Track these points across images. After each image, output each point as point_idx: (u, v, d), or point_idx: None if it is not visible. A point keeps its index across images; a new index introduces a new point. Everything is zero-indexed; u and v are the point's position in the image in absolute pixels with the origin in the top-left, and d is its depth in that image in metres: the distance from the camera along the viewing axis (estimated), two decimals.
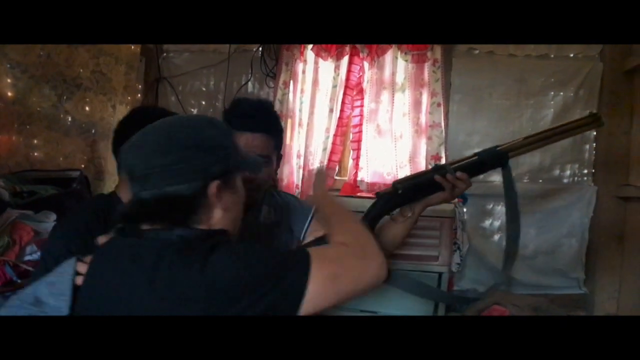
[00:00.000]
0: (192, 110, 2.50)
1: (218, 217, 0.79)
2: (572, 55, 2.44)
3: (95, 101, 2.13)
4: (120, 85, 2.23)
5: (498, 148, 1.12)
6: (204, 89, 2.52)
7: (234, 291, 0.69)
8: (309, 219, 1.28)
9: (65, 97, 1.96)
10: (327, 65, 2.49)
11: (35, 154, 1.85)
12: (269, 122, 1.21)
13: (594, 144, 2.40)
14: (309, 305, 0.70)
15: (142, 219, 0.77)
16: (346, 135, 2.54)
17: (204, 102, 2.51)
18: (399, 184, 1.10)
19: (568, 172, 2.42)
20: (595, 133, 2.38)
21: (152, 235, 0.75)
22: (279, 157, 1.30)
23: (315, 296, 0.71)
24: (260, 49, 2.50)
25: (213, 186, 0.76)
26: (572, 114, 2.39)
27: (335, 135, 2.45)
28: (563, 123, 1.15)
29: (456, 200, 2.06)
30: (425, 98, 2.45)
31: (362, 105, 2.49)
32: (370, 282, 0.77)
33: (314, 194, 1.12)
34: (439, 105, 2.42)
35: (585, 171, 2.41)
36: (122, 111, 2.24)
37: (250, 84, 2.53)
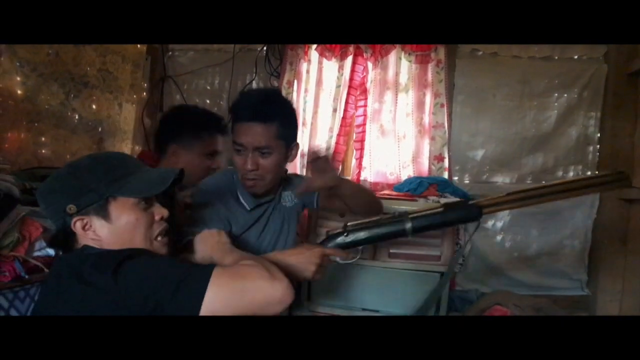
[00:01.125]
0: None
1: (106, 244, 0.89)
2: (576, 57, 2.44)
3: (102, 99, 2.15)
4: (126, 84, 2.25)
5: (471, 202, 1.04)
6: (208, 87, 2.53)
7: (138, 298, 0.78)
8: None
9: (72, 95, 1.99)
10: (331, 65, 2.51)
11: (43, 151, 1.87)
12: (269, 112, 1.19)
13: (598, 146, 2.40)
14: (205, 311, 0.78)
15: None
16: (349, 135, 2.55)
17: (208, 101, 2.53)
18: (350, 227, 1.07)
19: (571, 174, 2.41)
20: (599, 134, 2.39)
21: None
22: (290, 146, 1.28)
23: (211, 308, 0.77)
24: (265, 48, 2.52)
25: (74, 224, 0.88)
26: (576, 116, 2.40)
27: (338, 135, 2.47)
28: (572, 179, 1.09)
29: (458, 199, 2.08)
30: (428, 99, 2.47)
31: (365, 105, 2.50)
32: (270, 304, 0.82)
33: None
34: (442, 105, 2.43)
35: (589, 172, 2.41)
36: (128, 109, 2.27)
37: (254, 83, 2.54)
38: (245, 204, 1.28)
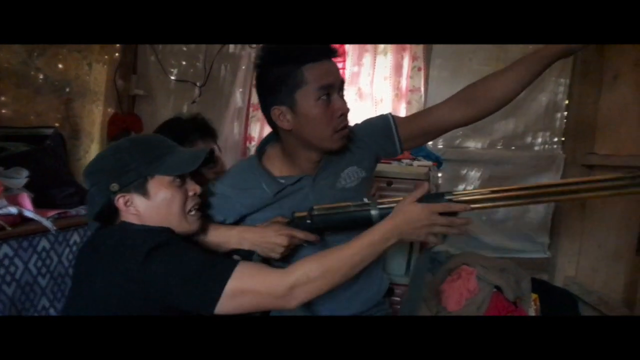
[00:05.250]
0: (172, 70, 2.45)
1: (145, 218, 0.97)
2: None
3: (69, 58, 2.08)
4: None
5: (446, 197, 0.93)
6: (184, 49, 2.46)
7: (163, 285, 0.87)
8: (395, 135, 1.16)
9: (36, 54, 1.91)
10: None
11: (3, 111, 1.82)
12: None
13: (565, 113, 2.47)
14: (220, 308, 0.87)
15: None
16: None
17: (184, 62, 2.46)
18: (315, 211, 1.04)
19: (539, 140, 2.50)
20: (567, 102, 2.47)
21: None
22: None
23: (226, 302, 0.87)
24: None
25: (117, 200, 0.96)
26: (546, 83, 2.46)
27: None
28: (583, 180, 0.89)
29: (431, 163, 2.15)
30: (406, 62, 2.48)
31: (344, 68, 2.50)
32: (274, 308, 0.95)
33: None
34: (419, 69, 2.45)
35: (556, 139, 2.49)
36: (98, 70, 2.19)
37: (231, 45, 2.48)
38: (267, 189, 1.11)
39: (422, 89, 2.45)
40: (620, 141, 2.10)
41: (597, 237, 2.24)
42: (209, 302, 0.86)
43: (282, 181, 1.12)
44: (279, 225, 1.07)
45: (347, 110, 1.05)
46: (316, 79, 1.01)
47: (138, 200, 0.96)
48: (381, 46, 2.49)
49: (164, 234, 0.94)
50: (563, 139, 2.49)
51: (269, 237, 1.04)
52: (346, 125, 1.07)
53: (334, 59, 1.06)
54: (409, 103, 2.47)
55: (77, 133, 2.13)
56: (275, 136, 1.15)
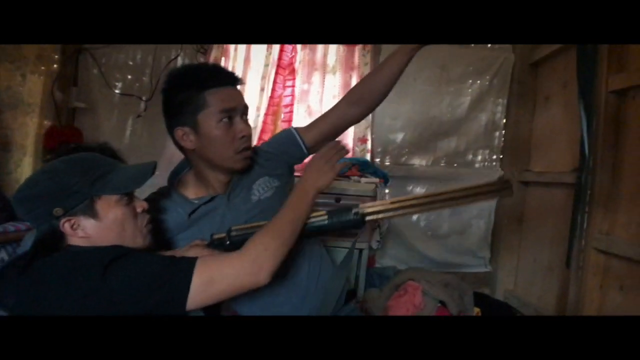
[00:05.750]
0: (117, 84, 2.39)
1: (96, 240, 0.93)
2: (489, 45, 2.61)
3: (0, 69, 2.01)
4: (32, 54, 2.08)
5: (354, 210, 1.05)
6: (130, 62, 2.41)
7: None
8: (299, 140, 1.28)
9: None
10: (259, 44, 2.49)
11: None
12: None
13: (503, 131, 2.60)
14: (192, 303, 0.87)
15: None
16: (277, 115, 2.57)
17: (130, 76, 2.41)
18: (233, 232, 1.07)
19: (479, 157, 2.61)
20: (504, 121, 2.60)
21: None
22: None
23: (196, 296, 0.87)
24: None
25: (63, 225, 0.92)
26: (486, 103, 2.59)
27: (266, 114, 2.47)
28: (466, 186, 1.05)
29: (378, 180, 2.19)
30: (354, 81, 2.53)
31: (293, 86, 2.52)
32: (246, 287, 0.93)
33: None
34: None
35: (495, 156, 2.61)
36: (33, 81, 2.11)
37: (179, 59, 2.46)
38: (181, 210, 1.16)
39: None
40: (552, 158, 2.24)
41: (533, 251, 2.35)
42: (178, 300, 0.86)
43: (195, 202, 1.16)
44: (198, 248, 1.08)
45: (249, 132, 1.15)
46: (217, 103, 1.10)
47: (86, 223, 0.93)
48: (330, 65, 2.55)
49: (117, 248, 0.92)
50: (501, 156, 2.61)
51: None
52: (249, 147, 1.16)
53: (238, 86, 1.17)
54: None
55: (8, 145, 2.04)
56: (187, 163, 1.22)
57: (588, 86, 1.80)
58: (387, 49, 2.54)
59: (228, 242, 1.07)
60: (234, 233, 1.07)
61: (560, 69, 2.22)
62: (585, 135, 1.77)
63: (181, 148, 1.17)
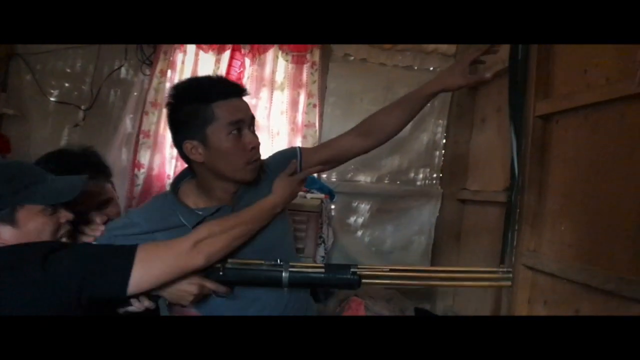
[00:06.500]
0: (52, 91, 2.29)
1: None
2: (431, 68, 2.74)
3: None
4: None
5: (352, 270, 1.04)
6: (68, 70, 2.32)
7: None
8: (299, 160, 1.26)
9: None
10: (207, 58, 2.48)
11: None
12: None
13: (443, 151, 2.72)
14: (133, 287, 0.90)
15: None
16: None
17: (67, 84, 2.32)
18: (229, 264, 1.06)
19: (421, 176, 2.70)
20: (444, 141, 2.73)
21: None
22: None
23: (137, 279, 0.90)
24: None
25: None
26: (427, 123, 2.70)
27: None
28: (470, 269, 1.09)
29: (324, 195, 2.23)
30: (302, 98, 2.58)
31: None
32: (183, 268, 0.97)
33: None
34: (314, 106, 2.56)
35: (435, 175, 2.72)
36: None
37: (123, 69, 2.40)
38: (185, 222, 1.11)
39: (317, 124, 2.56)
40: (487, 178, 2.36)
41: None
42: (120, 283, 0.88)
43: (200, 212, 1.13)
44: (191, 274, 1.06)
45: (258, 143, 1.14)
46: (226, 115, 1.07)
47: (3, 229, 0.93)
48: (278, 82, 2.58)
49: (55, 242, 0.95)
50: (441, 175, 2.72)
51: (179, 285, 1.03)
52: (258, 158, 1.15)
53: (244, 97, 1.14)
54: (304, 137, 2.55)
55: None
56: (189, 172, 1.20)
57: (518, 111, 1.92)
58: (335, 66, 2.61)
59: (221, 273, 1.06)
60: (229, 266, 1.06)
61: (495, 94, 2.37)
62: (515, 156, 1.88)
63: (188, 161, 1.15)
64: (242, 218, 1.06)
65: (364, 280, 1.04)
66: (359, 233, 2.62)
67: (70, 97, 2.33)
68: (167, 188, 1.45)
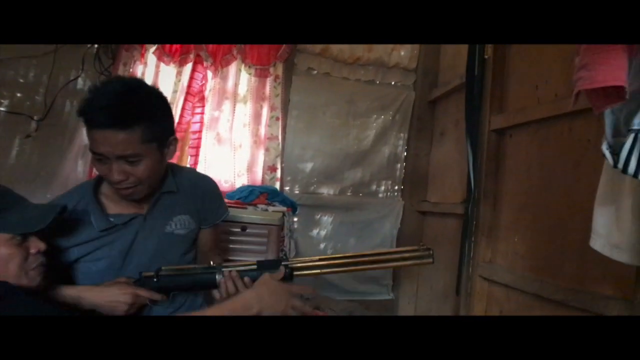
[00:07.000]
0: (2, 101, 2.20)
1: None
2: (393, 83, 2.80)
3: None
4: None
5: (283, 264, 1.06)
6: (21, 80, 2.24)
7: None
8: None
9: None
10: (169, 70, 2.45)
11: None
12: (129, 114, 1.00)
13: (404, 164, 2.77)
14: None
15: None
16: (185, 141, 2.52)
17: (19, 94, 2.23)
18: (163, 271, 1.07)
19: (383, 188, 2.75)
20: (405, 153, 2.78)
21: None
22: (164, 144, 1.10)
23: None
24: (96, 45, 2.33)
25: None
26: (389, 137, 2.75)
27: None
28: (391, 250, 1.16)
29: (285, 209, 2.22)
30: (265, 111, 2.58)
31: (202, 113, 2.50)
32: None
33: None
34: (277, 119, 2.56)
35: (396, 187, 2.77)
36: None
37: (80, 80, 2.33)
38: (95, 225, 1.09)
39: (280, 137, 2.56)
40: (446, 190, 2.42)
41: (430, 279, 2.49)
42: None
43: (112, 219, 1.12)
44: (124, 284, 1.06)
45: (120, 179, 1.04)
46: (91, 143, 1.03)
47: None
48: (241, 94, 2.57)
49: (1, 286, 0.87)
50: (402, 187, 2.77)
51: (112, 296, 1.02)
52: (127, 187, 1.07)
53: (122, 129, 1.00)
54: (267, 150, 2.55)
55: None
56: None
57: (474, 125, 1.99)
58: (298, 80, 2.63)
59: (155, 280, 1.05)
60: (163, 273, 1.07)
61: (453, 108, 2.44)
62: (471, 169, 1.94)
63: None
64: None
65: (296, 273, 1.06)
66: (322, 245, 2.63)
67: (23, 107, 2.24)
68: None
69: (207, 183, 1.33)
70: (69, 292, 1.01)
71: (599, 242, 1.02)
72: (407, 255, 1.08)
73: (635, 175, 0.79)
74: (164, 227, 1.18)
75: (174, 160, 2.44)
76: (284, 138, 2.59)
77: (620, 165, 0.80)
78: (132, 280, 1.09)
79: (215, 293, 1.07)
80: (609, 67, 0.76)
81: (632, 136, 0.78)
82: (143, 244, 1.14)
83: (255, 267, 1.07)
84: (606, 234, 1.00)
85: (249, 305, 0.95)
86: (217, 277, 1.05)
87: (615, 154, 0.82)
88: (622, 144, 0.80)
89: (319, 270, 1.08)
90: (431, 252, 1.07)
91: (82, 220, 1.10)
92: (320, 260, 1.08)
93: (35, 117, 2.22)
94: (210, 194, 1.30)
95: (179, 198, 1.22)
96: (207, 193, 1.29)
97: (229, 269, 1.06)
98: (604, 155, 0.85)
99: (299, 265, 1.07)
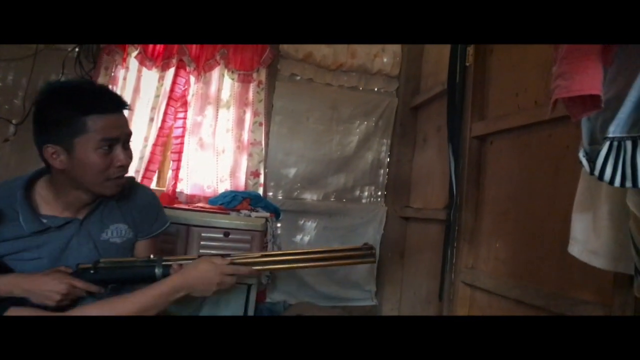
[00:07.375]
0: None
1: None
2: (376, 89, 2.81)
3: None
4: None
5: (226, 257, 1.10)
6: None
7: None
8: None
9: None
10: (151, 75, 2.43)
11: None
12: (122, 100, 1.12)
13: (387, 169, 2.79)
14: None
15: None
16: (166, 146, 2.49)
17: None
18: (101, 264, 1.07)
19: (366, 193, 2.76)
20: (388, 159, 2.79)
21: None
22: None
23: None
24: (77, 49, 2.30)
25: None
26: (372, 142, 2.76)
27: (154, 145, 2.39)
28: (335, 248, 1.14)
29: (268, 214, 2.20)
30: (248, 116, 2.57)
31: (185, 118, 2.48)
32: None
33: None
34: (260, 124, 2.56)
35: (379, 193, 2.78)
36: None
37: None
38: (24, 226, 1.06)
39: (263, 142, 2.55)
40: (429, 196, 2.43)
41: (413, 285, 2.50)
42: None
43: (45, 221, 1.09)
44: (60, 274, 1.03)
45: (127, 163, 1.11)
46: (98, 131, 1.04)
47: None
48: (224, 100, 2.56)
49: None
50: (385, 192, 2.78)
51: (46, 285, 1.00)
52: (121, 176, 1.12)
53: (124, 111, 1.12)
54: (250, 155, 2.54)
55: None
56: (49, 171, 1.13)
57: (456, 132, 2.01)
58: (282, 85, 2.63)
59: (93, 272, 1.05)
60: (101, 265, 1.06)
61: (435, 114, 2.46)
62: (453, 175, 1.96)
63: (47, 164, 1.09)
64: (134, 301, 1.00)
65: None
66: None
67: (1, 111, 2.20)
68: None
69: (145, 194, 1.31)
70: (3, 279, 0.99)
71: (576, 248, 1.03)
72: (351, 253, 1.13)
73: (611, 182, 0.81)
74: (99, 235, 1.16)
75: (156, 166, 2.43)
76: (267, 143, 2.58)
77: (597, 172, 0.82)
78: (70, 270, 1.06)
79: None
80: (585, 77, 0.77)
81: (607, 144, 0.80)
82: (77, 249, 1.12)
83: (196, 259, 1.09)
84: (584, 240, 1.02)
85: (176, 289, 1.03)
86: (156, 270, 1.07)
87: (592, 161, 0.84)
88: (598, 152, 0.81)
89: (260, 267, 1.10)
90: (373, 251, 1.12)
91: (7, 217, 1.06)
92: (263, 256, 1.11)
93: (13, 121, 2.19)
94: (146, 205, 1.28)
95: (117, 206, 1.21)
96: (143, 204, 1.28)
97: (170, 262, 1.08)
98: (580, 163, 0.87)
99: (242, 261, 1.09)
